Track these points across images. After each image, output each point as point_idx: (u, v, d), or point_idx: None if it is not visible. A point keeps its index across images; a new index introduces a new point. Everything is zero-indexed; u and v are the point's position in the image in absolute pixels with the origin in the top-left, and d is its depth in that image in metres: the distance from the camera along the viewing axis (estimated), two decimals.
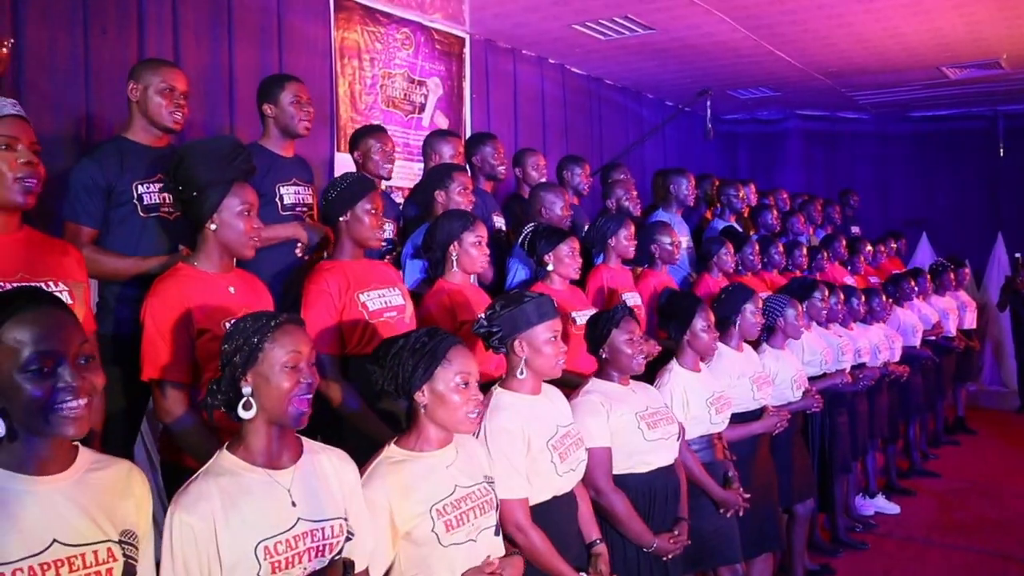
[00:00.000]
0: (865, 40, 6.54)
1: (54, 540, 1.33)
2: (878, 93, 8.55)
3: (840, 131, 9.85)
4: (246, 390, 1.67)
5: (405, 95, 5.83)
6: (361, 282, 2.62)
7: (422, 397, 1.98)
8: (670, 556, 2.68)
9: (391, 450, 2.02)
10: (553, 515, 2.32)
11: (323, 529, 1.68)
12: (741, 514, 3.12)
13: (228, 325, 1.87)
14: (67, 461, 1.41)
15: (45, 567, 1.30)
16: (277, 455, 1.70)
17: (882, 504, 5.31)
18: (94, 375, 1.38)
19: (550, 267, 3.29)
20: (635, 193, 4.60)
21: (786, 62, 7.18)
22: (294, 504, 1.66)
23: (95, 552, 1.37)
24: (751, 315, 3.54)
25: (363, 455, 2.00)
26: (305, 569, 1.64)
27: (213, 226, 2.19)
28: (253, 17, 4.79)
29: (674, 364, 3.20)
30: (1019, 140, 9.16)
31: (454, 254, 2.92)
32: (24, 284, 1.43)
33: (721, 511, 3.07)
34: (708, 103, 6.57)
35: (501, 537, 2.11)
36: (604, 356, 2.77)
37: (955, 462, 6.48)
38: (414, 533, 1.91)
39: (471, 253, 2.92)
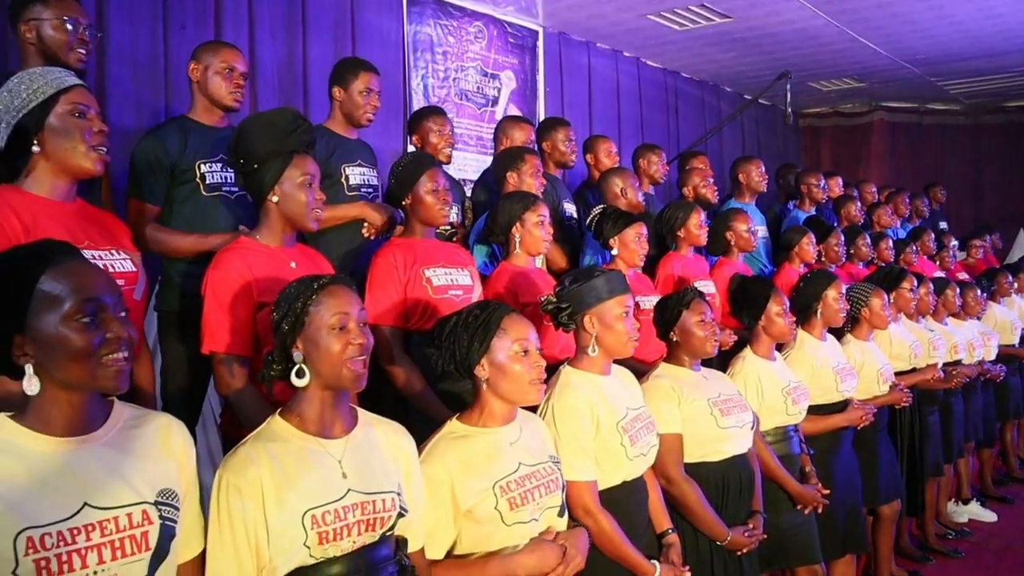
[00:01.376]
0: (958, 23, 6.22)
1: (84, 503, 1.28)
2: (971, 82, 8.14)
3: (929, 124, 9.42)
4: (297, 356, 1.63)
5: (478, 88, 5.81)
6: (428, 259, 2.58)
7: (483, 371, 1.91)
8: (744, 551, 2.55)
9: (453, 425, 1.95)
10: (623, 501, 2.23)
11: (374, 502, 1.62)
12: (820, 511, 2.96)
13: None
14: (99, 420, 1.37)
15: (75, 531, 1.25)
16: (330, 424, 1.65)
17: (977, 511, 5.01)
18: (132, 329, 1.34)
19: (615, 251, 3.21)
20: (712, 181, 4.46)
21: (871, 50, 6.89)
22: (345, 475, 1.61)
23: (128, 515, 1.32)
24: (833, 301, 3.35)
25: (427, 436, 1.94)
26: (355, 543, 1.58)
27: (275, 198, 2.16)
28: (327, 12, 4.89)
29: (748, 352, 3.05)
30: None
31: (517, 235, 2.86)
32: (50, 238, 1.39)
33: (798, 507, 2.92)
34: (788, 86, 6.34)
35: (566, 518, 2.02)
36: (675, 340, 2.65)
37: None
38: (476, 511, 1.84)
39: (534, 233, 2.85)
